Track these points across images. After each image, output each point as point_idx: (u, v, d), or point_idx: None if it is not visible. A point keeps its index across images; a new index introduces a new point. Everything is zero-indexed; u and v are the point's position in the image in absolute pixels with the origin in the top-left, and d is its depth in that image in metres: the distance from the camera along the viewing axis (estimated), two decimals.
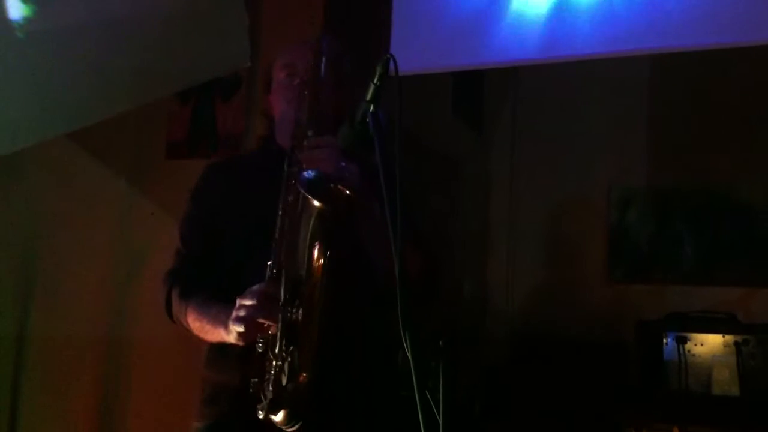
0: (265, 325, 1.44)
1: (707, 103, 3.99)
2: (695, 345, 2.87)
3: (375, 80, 1.42)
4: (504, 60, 2.53)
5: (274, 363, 1.41)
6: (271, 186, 1.58)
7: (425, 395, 1.25)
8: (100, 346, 2.98)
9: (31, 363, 3.09)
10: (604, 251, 4.26)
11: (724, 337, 2.85)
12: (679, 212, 4.13)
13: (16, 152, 2.79)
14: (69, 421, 2.99)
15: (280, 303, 1.43)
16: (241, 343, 1.48)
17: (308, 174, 1.45)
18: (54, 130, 2.78)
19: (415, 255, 1.62)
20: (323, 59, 1.61)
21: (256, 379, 1.46)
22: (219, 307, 1.56)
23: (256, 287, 1.47)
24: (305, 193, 1.40)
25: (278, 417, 1.40)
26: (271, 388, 1.40)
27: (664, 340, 2.90)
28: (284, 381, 1.39)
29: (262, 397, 1.42)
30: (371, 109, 1.43)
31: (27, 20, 2.32)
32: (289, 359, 1.40)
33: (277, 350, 1.40)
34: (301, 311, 1.42)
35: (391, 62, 1.39)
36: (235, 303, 1.49)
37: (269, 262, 1.50)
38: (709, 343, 2.86)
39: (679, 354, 2.85)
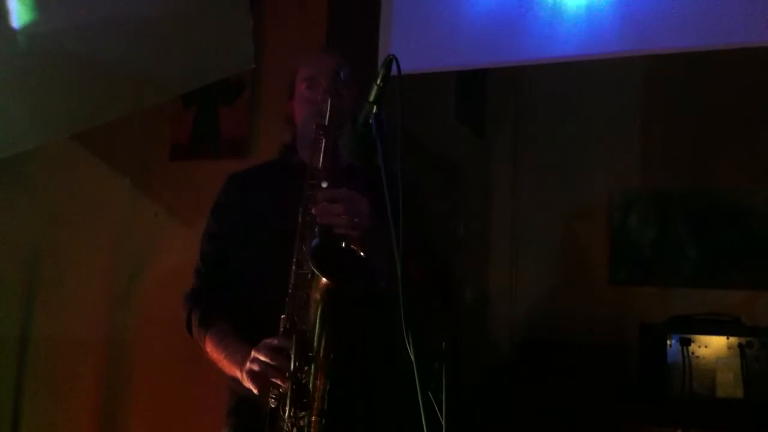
0: (277, 382, 1.48)
1: (709, 106, 3.99)
2: (699, 347, 2.86)
3: (378, 81, 1.42)
4: (505, 60, 2.53)
5: (285, 422, 1.45)
6: (291, 202, 1.58)
7: (428, 397, 1.25)
8: (102, 347, 2.99)
9: (34, 364, 3.09)
10: (607, 254, 4.25)
11: (728, 339, 2.84)
12: (682, 215, 4.13)
13: (19, 154, 2.80)
14: (71, 422, 2.99)
15: (291, 367, 1.45)
16: (256, 393, 1.52)
17: (315, 242, 1.46)
18: (57, 133, 2.79)
19: (424, 264, 1.63)
20: (340, 101, 1.61)
21: None
22: (236, 344, 1.61)
23: (270, 342, 1.50)
24: (314, 269, 1.41)
25: None
26: None
27: (668, 342, 2.89)
28: None
29: None
30: (374, 110, 1.43)
31: (30, 23, 2.32)
32: (299, 424, 1.44)
33: (287, 415, 1.44)
34: (311, 378, 1.45)
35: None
36: (251, 332, 1.54)
37: (282, 316, 1.52)
38: (713, 346, 2.85)
39: (683, 356, 2.84)
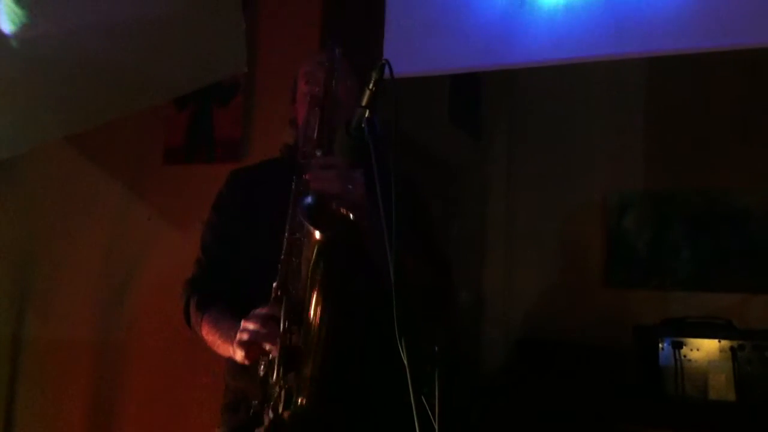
0: (267, 348, 1.46)
1: (705, 108, 4.00)
2: (691, 350, 2.87)
3: (371, 85, 1.43)
4: (500, 63, 2.54)
5: (274, 386, 1.43)
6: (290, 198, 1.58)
7: (421, 400, 1.26)
8: (95, 349, 2.98)
9: (27, 366, 3.09)
10: (602, 257, 4.26)
11: (720, 342, 2.85)
12: (677, 218, 4.14)
13: (12, 157, 2.79)
14: (65, 423, 2.98)
15: (281, 329, 1.43)
16: (246, 363, 1.51)
17: (309, 199, 1.44)
18: (51, 135, 2.79)
19: (424, 265, 1.63)
20: (335, 76, 1.60)
21: (256, 402, 1.48)
22: (231, 323, 1.59)
23: (259, 311, 1.49)
24: (305, 221, 1.40)
25: None
26: (271, 413, 1.42)
27: (660, 345, 2.90)
28: (281, 408, 1.41)
29: (264, 419, 1.44)
30: (367, 115, 1.44)
31: (24, 25, 2.32)
32: (287, 386, 1.42)
33: (276, 376, 1.42)
34: (301, 337, 1.42)
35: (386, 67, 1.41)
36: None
37: (274, 283, 1.51)
38: (705, 349, 2.86)
39: (675, 359, 2.85)
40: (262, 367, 1.47)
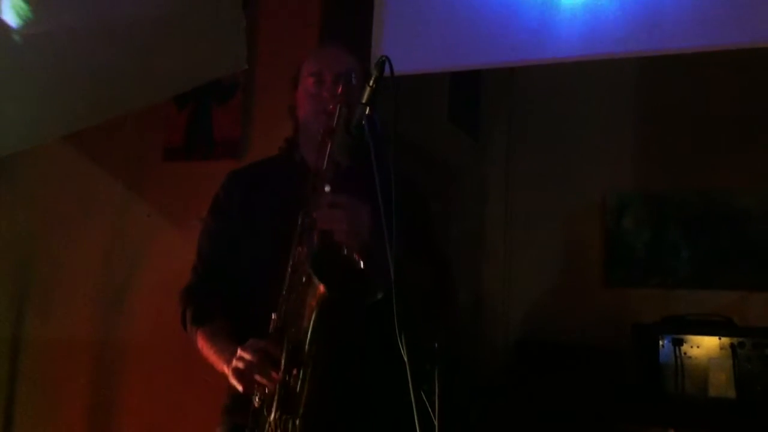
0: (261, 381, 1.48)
1: (704, 108, 4.00)
2: (691, 347, 2.87)
3: (370, 82, 1.43)
4: (499, 61, 2.54)
5: (270, 424, 1.45)
6: (291, 202, 1.57)
7: (421, 398, 1.26)
8: (95, 348, 2.98)
9: (27, 365, 3.08)
10: (601, 256, 4.26)
11: (720, 339, 2.85)
12: (675, 217, 4.14)
13: (12, 155, 2.79)
14: (64, 423, 2.98)
15: (280, 368, 1.44)
16: (240, 391, 1.52)
17: (316, 248, 1.46)
18: (51, 133, 2.78)
19: (424, 265, 1.63)
20: (348, 87, 1.61)
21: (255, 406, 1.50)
22: (226, 342, 1.61)
23: (257, 343, 1.50)
24: (313, 275, 1.40)
25: None
26: None
27: (660, 343, 2.90)
28: None
29: None
30: (367, 112, 1.43)
31: (24, 23, 2.32)
32: (284, 427, 1.43)
33: (272, 417, 1.44)
34: (299, 382, 1.44)
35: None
36: (245, 329, 1.55)
37: (273, 315, 1.51)
38: (705, 346, 2.86)
39: (675, 356, 2.85)
40: (257, 398, 1.48)
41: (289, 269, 1.52)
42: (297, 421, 1.43)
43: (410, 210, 1.45)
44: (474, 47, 2.46)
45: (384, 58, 1.41)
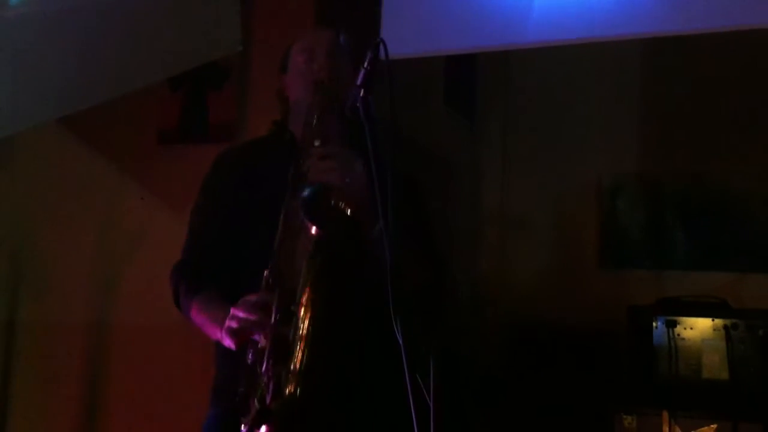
0: (256, 337, 1.45)
1: (700, 90, 3.99)
2: (685, 329, 2.88)
3: (365, 65, 1.42)
4: (495, 44, 2.52)
5: (262, 378, 1.41)
6: (282, 177, 1.56)
7: (416, 378, 1.26)
8: (90, 332, 2.99)
9: (22, 350, 3.09)
10: (597, 238, 4.27)
11: (713, 321, 2.86)
12: (671, 199, 4.15)
13: (3, 138, 2.77)
14: (60, 407, 2.99)
15: (272, 318, 1.42)
16: (233, 349, 1.50)
17: (307, 192, 1.42)
18: (43, 116, 2.77)
19: (420, 262, 1.62)
20: (339, 64, 1.59)
21: (242, 389, 1.46)
22: (219, 307, 1.57)
23: (250, 298, 1.47)
24: (304, 216, 1.38)
25: None
26: (257, 403, 1.40)
27: (654, 324, 2.91)
28: (268, 399, 1.39)
29: (251, 408, 1.42)
30: (362, 95, 1.43)
31: (13, 5, 2.29)
32: (275, 378, 1.39)
33: (264, 367, 1.40)
34: (292, 330, 1.40)
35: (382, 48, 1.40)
36: (237, 300, 1.50)
37: (266, 271, 1.49)
38: (698, 327, 2.87)
39: (669, 338, 2.86)
40: (250, 354, 1.46)
41: (281, 220, 1.51)
42: (292, 370, 1.37)
43: (404, 195, 1.44)
44: (469, 30, 2.44)
45: (378, 40, 1.40)
